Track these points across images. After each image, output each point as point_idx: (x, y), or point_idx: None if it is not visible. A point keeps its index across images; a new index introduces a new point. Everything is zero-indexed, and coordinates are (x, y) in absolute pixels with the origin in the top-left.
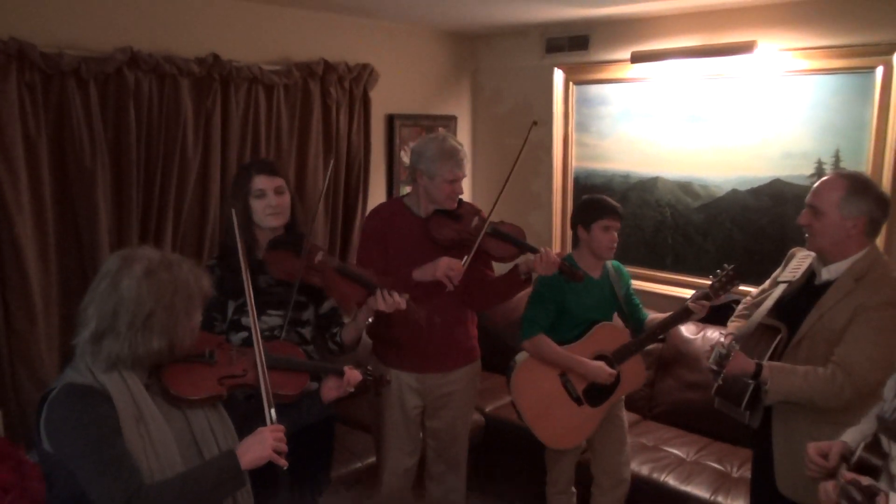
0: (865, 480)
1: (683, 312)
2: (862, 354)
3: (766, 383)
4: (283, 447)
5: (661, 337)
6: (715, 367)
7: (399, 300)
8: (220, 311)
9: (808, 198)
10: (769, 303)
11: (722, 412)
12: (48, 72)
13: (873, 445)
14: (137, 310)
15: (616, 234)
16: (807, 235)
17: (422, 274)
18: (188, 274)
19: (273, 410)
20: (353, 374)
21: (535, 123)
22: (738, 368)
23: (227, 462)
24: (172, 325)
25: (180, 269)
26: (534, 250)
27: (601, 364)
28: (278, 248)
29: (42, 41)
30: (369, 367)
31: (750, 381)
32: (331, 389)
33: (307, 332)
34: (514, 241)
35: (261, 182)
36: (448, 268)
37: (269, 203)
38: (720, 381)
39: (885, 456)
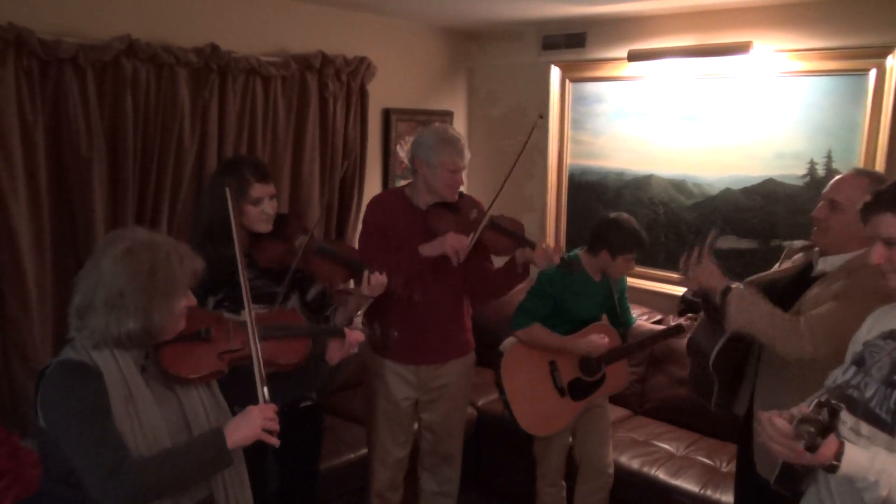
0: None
1: (675, 329)
2: (829, 320)
3: (730, 305)
4: (274, 426)
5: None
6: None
7: (382, 278)
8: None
9: (827, 192)
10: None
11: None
12: (46, 59)
13: (820, 404)
14: (111, 288)
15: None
16: (815, 228)
17: (430, 249)
18: (171, 256)
19: (266, 388)
20: (355, 334)
21: (540, 117)
22: (709, 280)
23: (213, 440)
24: (147, 308)
25: (161, 250)
26: (532, 245)
27: (594, 337)
28: (263, 236)
29: (40, 27)
30: (374, 324)
31: (713, 374)
32: (335, 351)
33: None
34: (512, 234)
35: (259, 190)
36: (455, 241)
37: (265, 210)
38: (690, 296)
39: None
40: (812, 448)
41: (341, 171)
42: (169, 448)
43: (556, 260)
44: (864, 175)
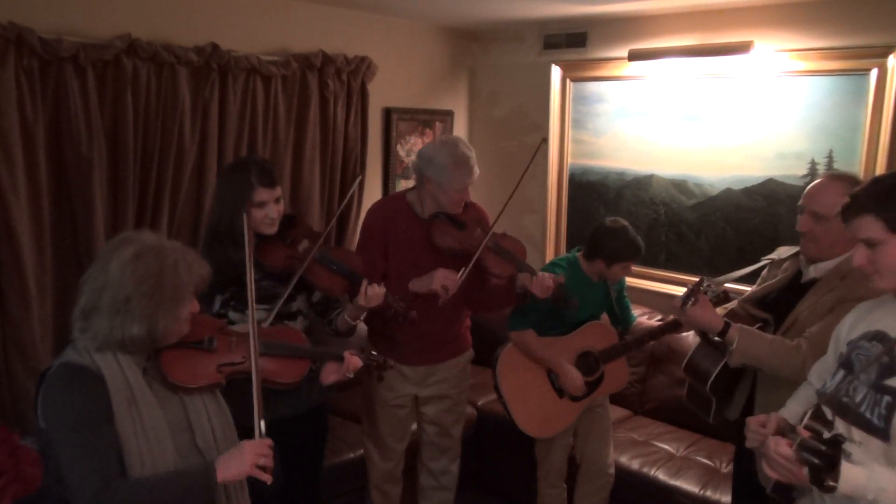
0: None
1: (673, 324)
2: (829, 336)
3: (731, 344)
4: (268, 462)
5: None
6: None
7: (379, 290)
8: (206, 304)
9: (805, 203)
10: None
11: (694, 408)
12: (46, 57)
13: (817, 415)
14: (118, 292)
15: None
16: (803, 240)
17: (419, 285)
18: (179, 263)
19: (263, 423)
20: (354, 360)
21: (544, 140)
22: (704, 319)
23: (203, 475)
24: (153, 314)
25: (170, 257)
26: (532, 272)
27: (577, 375)
28: (268, 238)
29: (41, 26)
30: (373, 353)
31: (710, 395)
32: (330, 373)
33: (298, 323)
34: (513, 259)
35: (263, 194)
36: (444, 279)
37: (269, 214)
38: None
39: (828, 423)
40: (819, 483)
41: (353, 188)
42: (159, 475)
43: (550, 293)
44: (839, 179)
